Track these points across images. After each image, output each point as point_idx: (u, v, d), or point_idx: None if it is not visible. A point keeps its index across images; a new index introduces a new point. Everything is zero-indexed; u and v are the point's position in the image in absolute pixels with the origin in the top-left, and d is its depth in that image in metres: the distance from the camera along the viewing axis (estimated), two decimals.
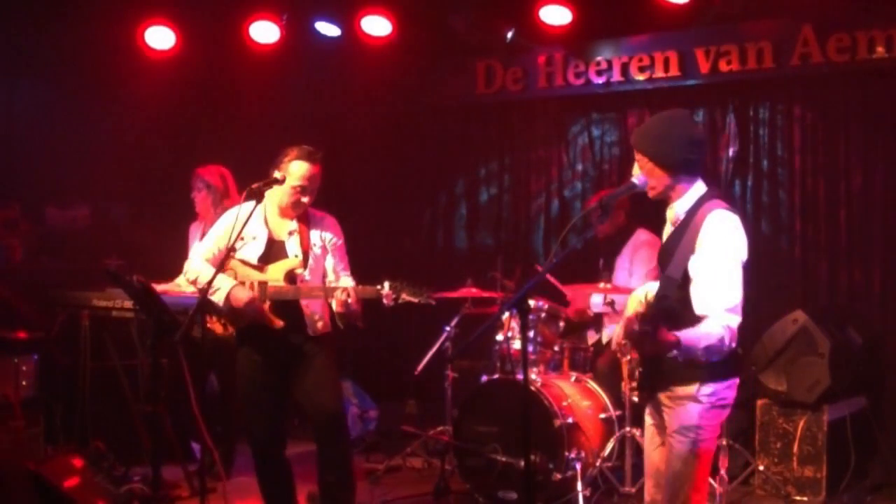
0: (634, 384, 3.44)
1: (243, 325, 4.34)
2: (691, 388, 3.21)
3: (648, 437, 3.48)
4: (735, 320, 3.11)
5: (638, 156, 3.35)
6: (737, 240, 3.21)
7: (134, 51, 6.97)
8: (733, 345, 3.11)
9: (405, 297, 3.98)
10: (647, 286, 3.58)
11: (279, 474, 4.43)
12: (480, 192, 7.73)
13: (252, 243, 4.37)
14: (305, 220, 4.42)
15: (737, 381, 3.31)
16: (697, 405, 3.21)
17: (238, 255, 4.37)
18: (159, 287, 5.71)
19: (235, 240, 4.19)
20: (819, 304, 6.10)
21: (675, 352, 3.02)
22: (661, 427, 3.40)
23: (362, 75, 7.45)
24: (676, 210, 3.34)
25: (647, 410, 3.46)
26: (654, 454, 3.46)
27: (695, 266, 3.17)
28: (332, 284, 4.35)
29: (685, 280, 3.17)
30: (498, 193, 7.64)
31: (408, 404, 7.24)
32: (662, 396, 3.29)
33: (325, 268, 4.43)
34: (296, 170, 4.29)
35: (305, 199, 4.32)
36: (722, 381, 3.22)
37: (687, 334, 3.02)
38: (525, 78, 7.28)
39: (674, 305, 3.10)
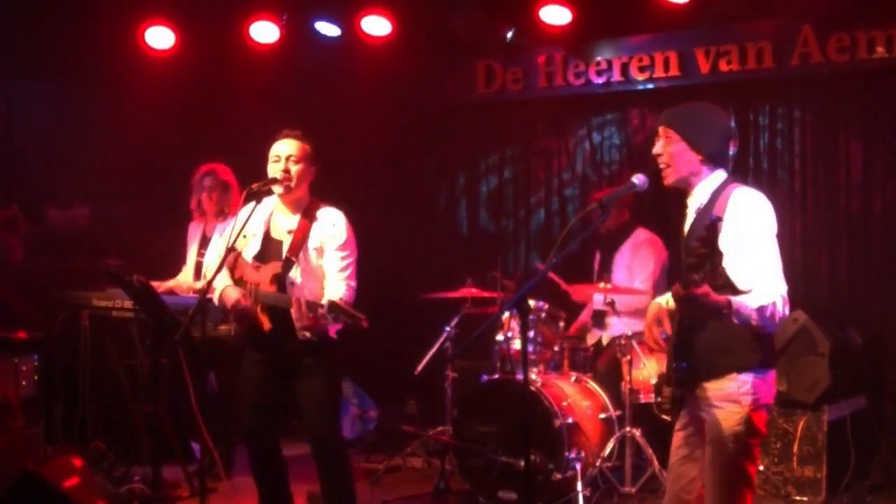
0: (662, 400, 3.36)
1: (246, 325, 4.33)
2: (731, 384, 3.13)
3: (676, 446, 3.36)
4: (784, 287, 3.09)
5: (669, 134, 3.29)
6: (766, 213, 3.20)
7: (134, 51, 6.97)
8: (786, 311, 3.07)
9: (343, 317, 3.99)
10: (667, 295, 3.55)
11: (270, 469, 4.41)
12: (480, 192, 7.73)
13: (252, 241, 4.35)
14: (311, 216, 4.30)
15: (773, 374, 3.21)
16: (740, 410, 3.12)
17: (244, 254, 4.36)
18: (162, 286, 5.75)
19: (235, 239, 4.18)
20: (819, 304, 6.10)
21: (725, 311, 2.94)
22: (694, 435, 3.30)
23: (362, 75, 7.45)
24: (699, 195, 3.31)
25: (679, 421, 3.35)
26: (678, 466, 3.34)
27: (727, 242, 3.08)
28: (327, 288, 4.23)
29: (718, 258, 3.12)
30: (498, 193, 7.65)
31: (408, 404, 7.24)
32: (700, 396, 3.20)
33: (323, 269, 4.29)
34: (271, 151, 4.30)
35: (285, 172, 4.21)
36: (761, 371, 3.15)
37: (738, 297, 2.97)
38: (525, 78, 7.28)
39: (706, 260, 2.93)
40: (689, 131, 3.29)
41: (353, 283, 4.28)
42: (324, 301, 4.03)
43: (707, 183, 3.30)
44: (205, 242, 5.85)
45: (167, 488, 5.34)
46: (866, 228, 6.19)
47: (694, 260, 2.78)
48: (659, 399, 3.39)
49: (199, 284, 5.72)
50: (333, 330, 4.24)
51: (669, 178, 3.32)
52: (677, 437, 3.37)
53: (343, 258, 4.28)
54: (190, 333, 4.03)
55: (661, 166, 3.33)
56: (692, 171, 3.30)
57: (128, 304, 5.27)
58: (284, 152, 4.27)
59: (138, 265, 5.78)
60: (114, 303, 5.47)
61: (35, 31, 6.67)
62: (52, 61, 6.87)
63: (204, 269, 5.74)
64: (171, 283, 5.87)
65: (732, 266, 3.07)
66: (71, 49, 6.80)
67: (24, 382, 5.46)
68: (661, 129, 3.33)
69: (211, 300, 4.31)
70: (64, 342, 5.78)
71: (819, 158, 6.37)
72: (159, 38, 6.99)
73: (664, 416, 3.36)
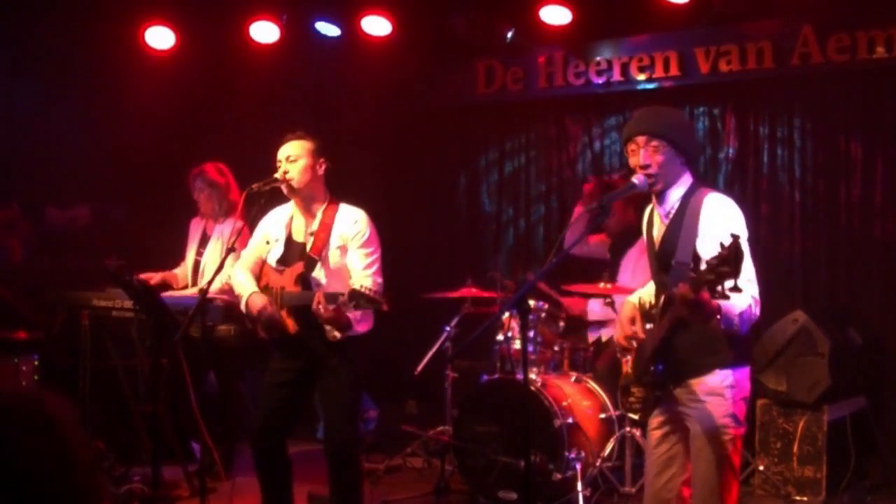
0: (633, 401, 3.39)
1: (275, 333, 4.29)
2: (714, 379, 3.21)
3: (653, 445, 3.39)
4: (756, 290, 3.15)
5: (655, 143, 3.26)
6: (739, 217, 3.24)
7: (134, 51, 6.97)
8: (758, 312, 3.14)
9: (363, 303, 3.97)
10: (638, 291, 3.58)
11: (275, 471, 4.41)
12: (481, 191, 7.73)
13: (276, 246, 4.36)
14: (331, 216, 4.31)
15: (748, 370, 3.31)
16: (724, 403, 3.20)
17: (268, 259, 4.37)
18: (155, 277, 5.76)
19: (234, 241, 4.19)
20: (819, 304, 6.09)
21: (717, 318, 3.03)
22: (672, 433, 3.32)
23: (362, 75, 7.45)
24: (671, 200, 3.31)
25: (653, 420, 3.38)
26: (657, 465, 3.36)
27: (705, 248, 3.15)
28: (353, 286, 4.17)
29: (696, 263, 3.13)
30: (498, 193, 7.64)
31: (408, 404, 7.23)
32: (683, 393, 3.25)
33: (348, 268, 4.28)
34: (278, 154, 4.32)
35: (283, 173, 4.22)
36: (740, 367, 3.26)
37: (724, 303, 3.02)
38: (525, 78, 7.28)
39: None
40: (676, 137, 3.28)
41: (380, 280, 4.27)
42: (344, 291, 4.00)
43: (679, 187, 3.31)
44: (204, 241, 5.86)
45: (167, 488, 5.34)
46: (866, 227, 6.18)
47: (712, 277, 2.80)
48: (629, 399, 3.40)
49: (193, 290, 5.72)
50: (362, 326, 4.24)
51: (658, 185, 3.31)
52: (654, 437, 3.40)
53: (367, 255, 4.29)
54: (190, 333, 4.04)
55: (649, 177, 3.29)
56: (676, 174, 3.31)
57: (128, 304, 5.27)
58: (283, 155, 4.29)
59: (138, 265, 5.79)
60: (114, 303, 5.48)
61: (35, 30, 6.67)
62: (52, 61, 6.87)
63: (202, 269, 5.75)
64: (164, 274, 5.87)
65: None
66: (71, 49, 6.80)
67: (24, 382, 5.47)
68: (642, 139, 3.28)
69: (211, 300, 4.32)
70: (64, 342, 5.78)
71: (819, 158, 6.36)
72: (159, 38, 7.00)
73: (632, 416, 3.41)
